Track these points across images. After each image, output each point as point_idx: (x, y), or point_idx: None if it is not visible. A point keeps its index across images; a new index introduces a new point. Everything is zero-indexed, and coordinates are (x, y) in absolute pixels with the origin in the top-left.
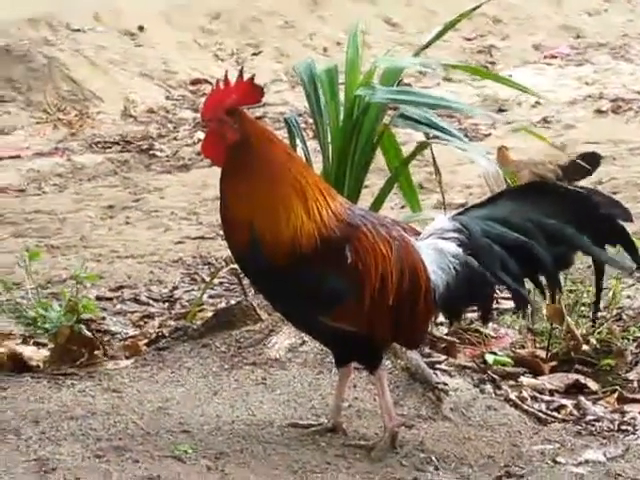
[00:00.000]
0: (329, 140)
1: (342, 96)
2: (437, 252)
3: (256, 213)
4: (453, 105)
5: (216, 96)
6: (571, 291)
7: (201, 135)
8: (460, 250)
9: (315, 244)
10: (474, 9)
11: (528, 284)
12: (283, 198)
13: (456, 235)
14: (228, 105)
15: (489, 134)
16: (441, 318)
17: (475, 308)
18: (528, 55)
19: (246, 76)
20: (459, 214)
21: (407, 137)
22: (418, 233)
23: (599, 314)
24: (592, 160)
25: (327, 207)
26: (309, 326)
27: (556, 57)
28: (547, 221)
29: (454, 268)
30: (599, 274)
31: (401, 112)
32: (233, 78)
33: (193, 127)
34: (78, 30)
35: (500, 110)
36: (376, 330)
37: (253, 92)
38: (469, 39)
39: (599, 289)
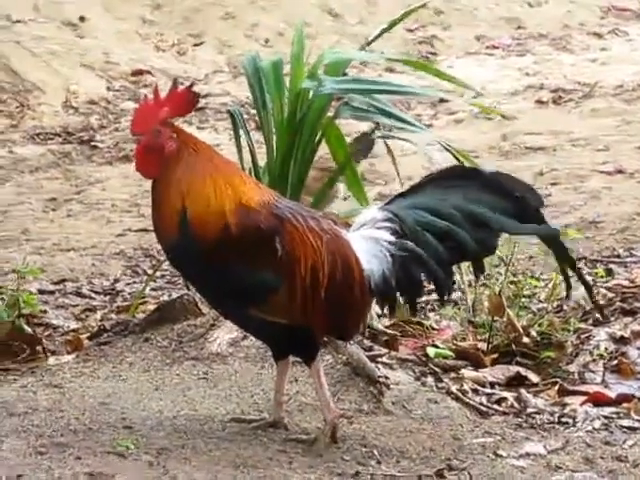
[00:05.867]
0: (273, 133)
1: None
2: (371, 241)
3: (186, 200)
4: (408, 90)
5: (146, 109)
6: (512, 283)
7: None
8: (394, 237)
9: (244, 235)
10: (421, 6)
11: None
12: (214, 187)
13: (389, 224)
14: (162, 117)
15: (431, 125)
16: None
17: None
18: (470, 46)
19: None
20: (387, 204)
21: (350, 128)
22: (349, 225)
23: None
24: (365, 141)
25: (257, 199)
26: (241, 319)
27: (497, 47)
28: (469, 206)
29: (390, 254)
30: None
31: (345, 102)
32: (165, 86)
33: None
34: (18, 21)
35: (442, 101)
36: (310, 322)
37: (187, 102)
38: (411, 30)
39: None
